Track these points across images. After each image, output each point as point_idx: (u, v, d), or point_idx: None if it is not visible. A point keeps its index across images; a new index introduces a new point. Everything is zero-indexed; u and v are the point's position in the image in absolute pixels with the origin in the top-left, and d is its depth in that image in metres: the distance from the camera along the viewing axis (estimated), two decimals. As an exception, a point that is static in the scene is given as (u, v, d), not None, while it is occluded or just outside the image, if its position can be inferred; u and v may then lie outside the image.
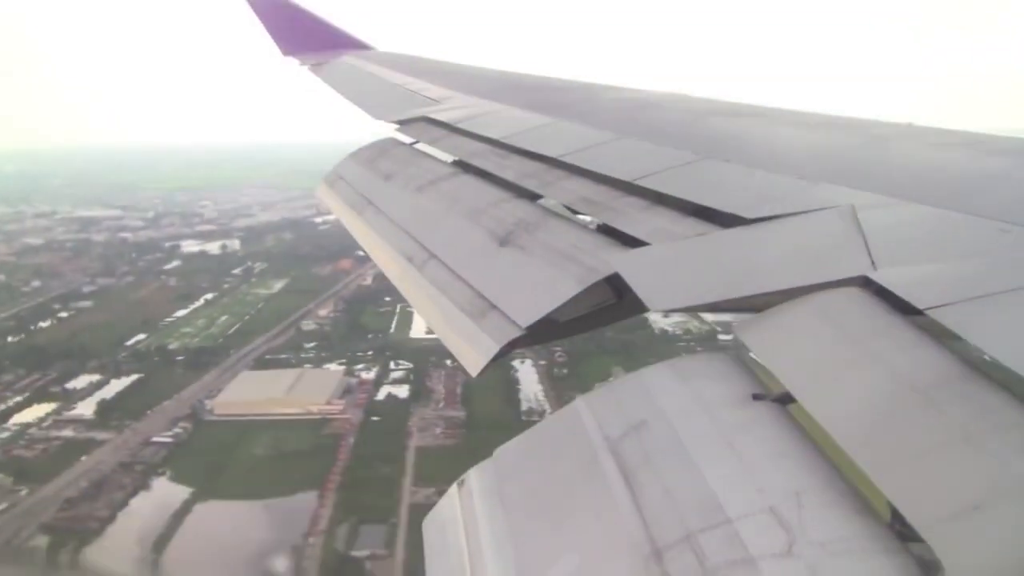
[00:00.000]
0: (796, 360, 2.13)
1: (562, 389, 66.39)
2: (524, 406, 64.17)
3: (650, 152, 4.24)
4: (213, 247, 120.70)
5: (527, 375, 70.87)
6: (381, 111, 7.20)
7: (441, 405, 64.12)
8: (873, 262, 2.39)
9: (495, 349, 2.88)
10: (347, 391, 66.48)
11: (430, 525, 2.41)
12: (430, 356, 71.65)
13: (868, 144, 4.05)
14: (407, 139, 6.16)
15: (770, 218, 3.00)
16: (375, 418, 61.52)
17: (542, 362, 72.90)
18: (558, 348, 76.58)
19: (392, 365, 72.72)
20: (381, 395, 66.48)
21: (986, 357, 1.80)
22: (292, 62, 10.75)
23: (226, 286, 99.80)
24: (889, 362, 1.94)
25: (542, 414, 61.76)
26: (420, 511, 47.12)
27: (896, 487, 1.59)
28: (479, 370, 2.91)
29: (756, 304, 2.47)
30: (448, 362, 70.60)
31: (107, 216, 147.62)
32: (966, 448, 1.60)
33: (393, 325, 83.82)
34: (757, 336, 2.29)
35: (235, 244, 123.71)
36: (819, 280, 2.39)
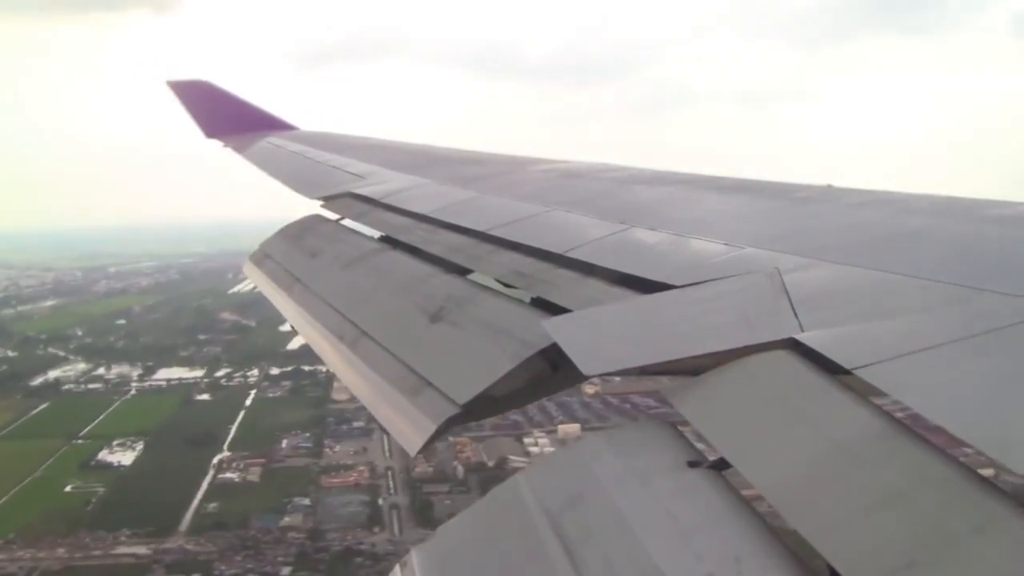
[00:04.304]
0: (729, 425, 2.17)
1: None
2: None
3: (578, 223, 4.36)
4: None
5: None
6: (306, 188, 7.20)
7: None
8: (800, 324, 2.44)
9: (432, 428, 2.88)
10: None
11: None
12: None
13: (790, 207, 4.21)
14: (333, 215, 6.20)
15: (699, 283, 3.07)
16: None
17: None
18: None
19: None
20: None
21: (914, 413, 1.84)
22: (216, 144, 10.80)
23: None
24: (819, 423, 1.98)
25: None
26: None
27: (832, 548, 1.59)
28: (417, 450, 2.92)
29: (687, 367, 2.50)
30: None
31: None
32: (898, 506, 1.63)
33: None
34: (690, 403, 2.31)
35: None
36: (748, 343, 2.41)
